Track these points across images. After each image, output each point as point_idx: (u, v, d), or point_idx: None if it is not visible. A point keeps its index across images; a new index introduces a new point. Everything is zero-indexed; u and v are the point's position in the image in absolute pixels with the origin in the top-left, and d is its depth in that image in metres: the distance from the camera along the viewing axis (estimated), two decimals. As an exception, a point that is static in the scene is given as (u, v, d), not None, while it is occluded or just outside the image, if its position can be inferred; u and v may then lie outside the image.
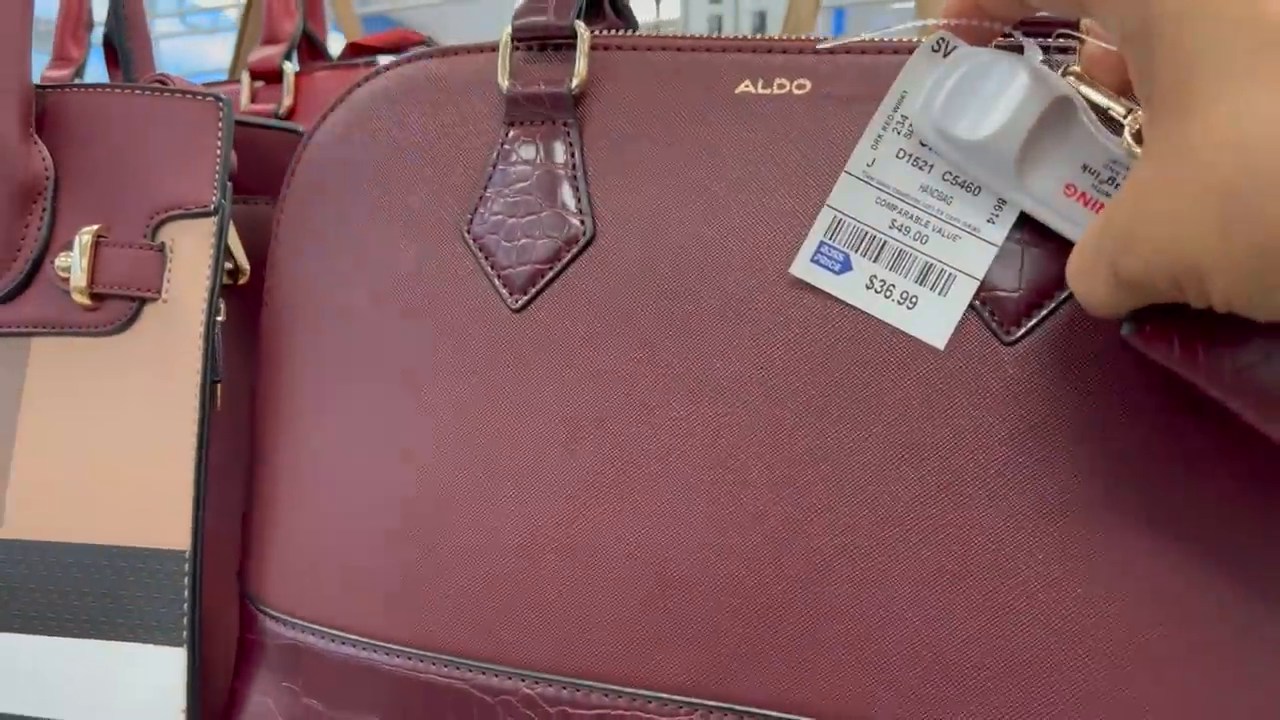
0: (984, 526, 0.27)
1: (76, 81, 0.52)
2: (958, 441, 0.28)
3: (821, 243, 0.29)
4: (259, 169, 0.40)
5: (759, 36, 0.32)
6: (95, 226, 0.36)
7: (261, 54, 0.52)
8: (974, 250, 0.28)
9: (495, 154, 0.33)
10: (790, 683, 0.29)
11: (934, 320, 0.28)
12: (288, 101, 0.52)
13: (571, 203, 0.32)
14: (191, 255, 0.35)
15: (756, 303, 0.30)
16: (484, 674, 0.31)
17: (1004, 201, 0.27)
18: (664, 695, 0.30)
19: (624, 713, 0.30)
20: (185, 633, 0.33)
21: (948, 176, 0.28)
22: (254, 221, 0.40)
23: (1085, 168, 0.26)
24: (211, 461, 0.35)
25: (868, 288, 0.29)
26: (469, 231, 0.33)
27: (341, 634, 0.33)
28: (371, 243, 0.35)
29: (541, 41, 0.33)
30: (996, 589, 0.27)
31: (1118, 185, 0.26)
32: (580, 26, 0.33)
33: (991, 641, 0.27)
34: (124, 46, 0.51)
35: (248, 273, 0.39)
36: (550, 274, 0.32)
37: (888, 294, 0.28)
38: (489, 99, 0.34)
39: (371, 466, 0.33)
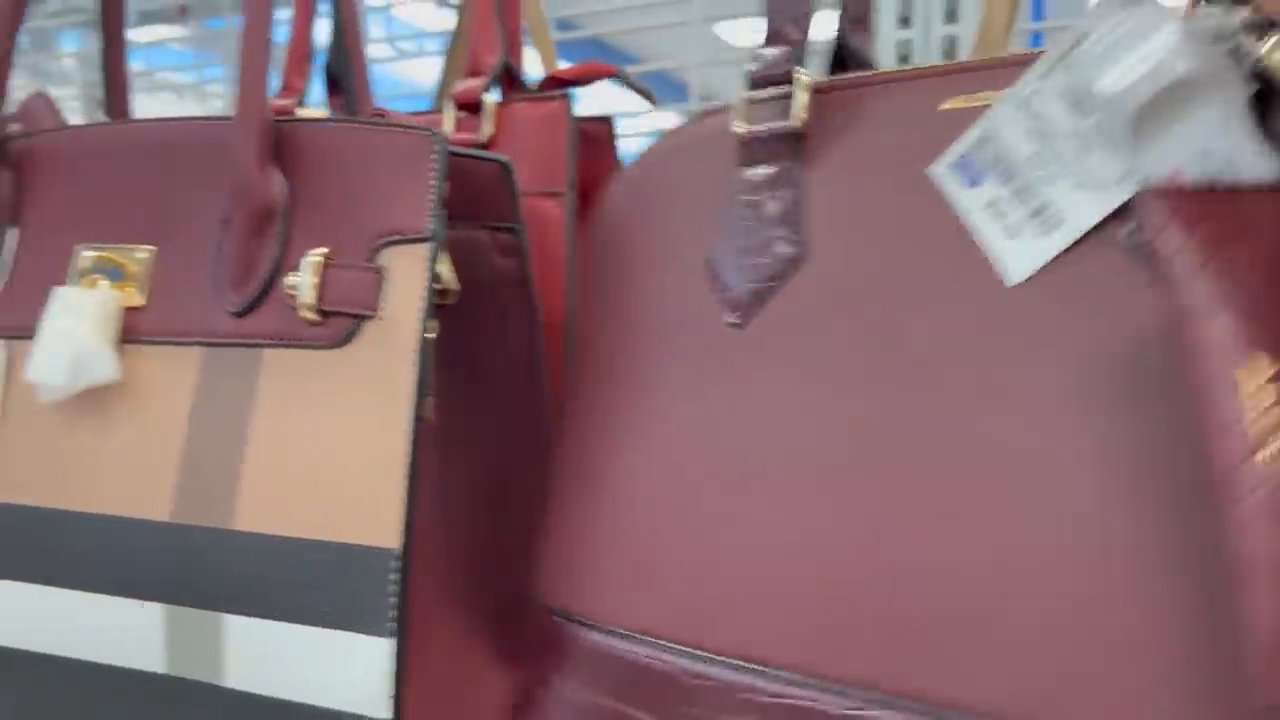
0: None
1: (301, 111, 0.57)
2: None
3: (964, 155, 0.30)
4: (466, 196, 0.42)
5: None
6: (323, 249, 0.39)
7: (465, 85, 0.56)
8: (1090, 205, 0.28)
9: (734, 190, 0.37)
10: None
11: (1023, 257, 0.29)
12: (488, 130, 0.55)
13: (788, 227, 0.35)
14: (407, 277, 0.38)
15: (966, 311, 0.31)
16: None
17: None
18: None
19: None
20: (392, 625, 0.36)
21: (1097, 127, 0.28)
22: (461, 245, 0.43)
23: (1204, 153, 0.25)
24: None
25: (985, 208, 0.30)
26: (711, 256, 0.37)
27: (680, 647, 0.34)
28: (671, 270, 0.39)
29: (767, 82, 0.37)
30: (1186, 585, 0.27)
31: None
32: (799, 72, 0.36)
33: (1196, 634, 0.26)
34: (345, 77, 0.56)
35: (457, 293, 0.41)
36: (768, 293, 0.35)
37: (998, 219, 0.29)
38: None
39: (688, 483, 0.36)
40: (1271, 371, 0.22)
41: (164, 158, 0.44)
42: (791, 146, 0.36)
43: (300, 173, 0.41)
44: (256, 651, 0.38)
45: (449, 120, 0.56)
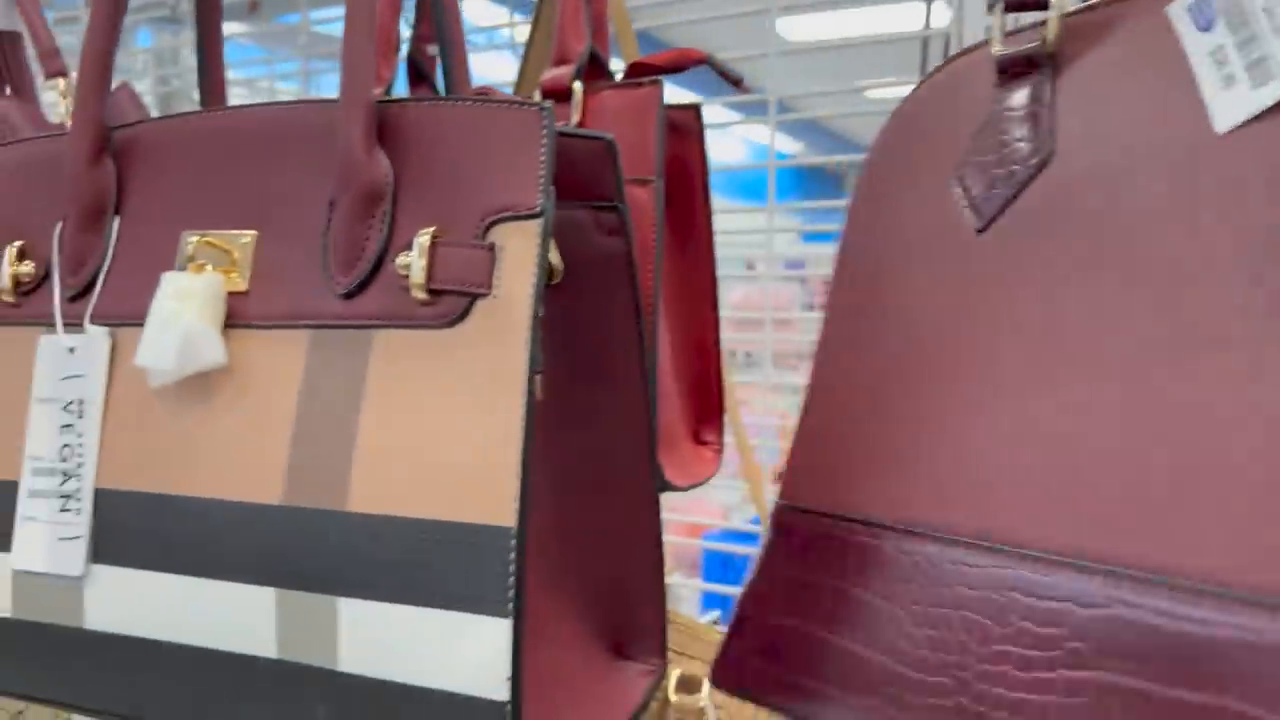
0: None
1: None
2: None
3: (1199, 1, 0.31)
4: (569, 175, 0.42)
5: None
6: (432, 228, 0.39)
7: (553, 74, 0.56)
8: None
9: (986, 108, 0.41)
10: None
11: (1233, 106, 0.30)
12: (576, 118, 0.55)
13: (1034, 131, 0.39)
14: (519, 254, 0.38)
15: (1202, 195, 0.32)
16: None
17: None
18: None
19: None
20: (510, 605, 0.35)
21: None
22: (565, 225, 0.42)
23: None
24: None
25: (1210, 54, 0.31)
26: (959, 165, 0.41)
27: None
28: (927, 188, 0.43)
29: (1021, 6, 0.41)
30: None
31: None
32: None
33: None
34: (447, 65, 0.56)
35: (562, 272, 0.41)
36: (1013, 197, 0.38)
37: (1219, 66, 0.31)
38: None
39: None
40: None
41: (263, 143, 0.44)
42: (1042, 65, 0.39)
43: (406, 153, 0.41)
44: (371, 634, 0.38)
45: (537, 109, 0.56)
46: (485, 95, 0.43)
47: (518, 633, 0.35)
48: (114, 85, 0.55)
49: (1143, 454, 0.32)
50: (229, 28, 1.25)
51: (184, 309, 0.42)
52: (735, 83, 0.59)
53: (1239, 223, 0.31)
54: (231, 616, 0.40)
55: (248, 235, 0.44)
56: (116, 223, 0.47)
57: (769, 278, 1.07)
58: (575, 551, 0.43)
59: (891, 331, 0.42)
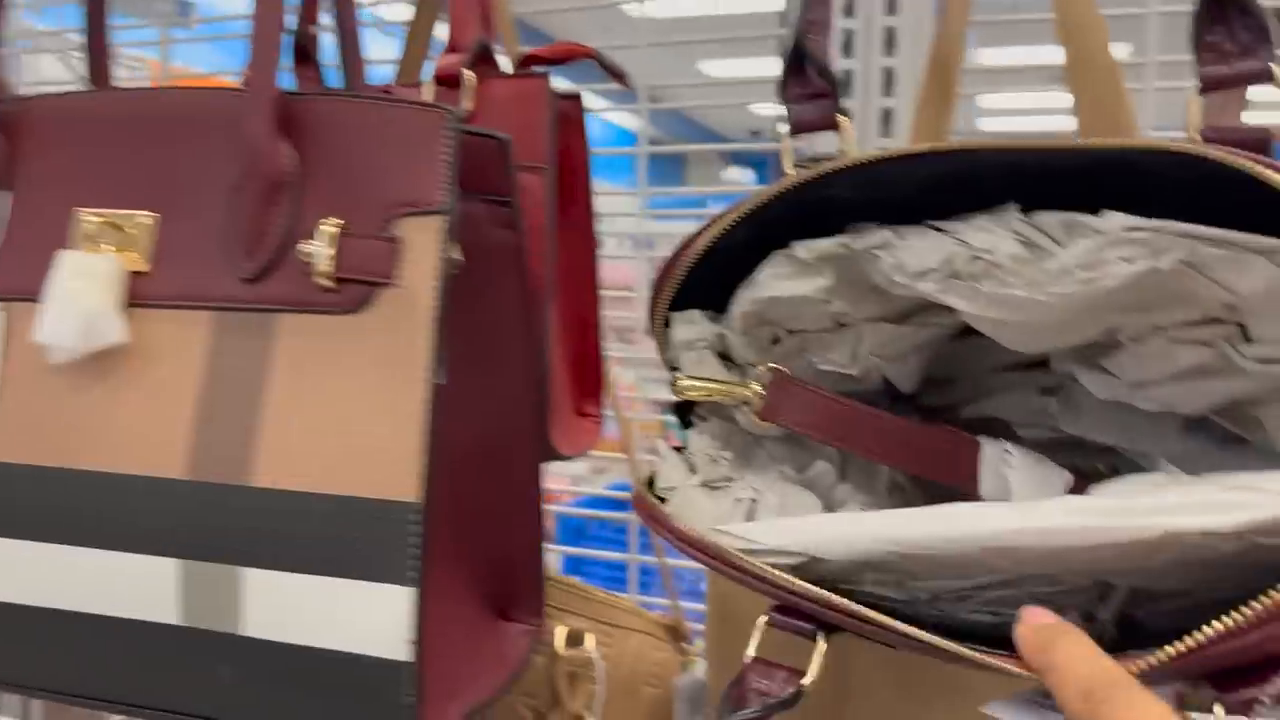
0: None
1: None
2: None
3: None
4: (465, 170, 0.44)
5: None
6: (337, 218, 0.41)
7: (445, 61, 0.57)
8: None
9: None
10: None
11: None
12: (467, 105, 0.57)
13: None
14: (422, 247, 0.41)
15: None
16: None
17: None
18: None
19: None
20: (414, 574, 0.38)
21: None
22: (460, 217, 0.45)
23: None
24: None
25: None
26: None
27: None
28: None
29: None
30: None
31: None
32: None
33: None
34: (343, 52, 0.57)
35: (459, 263, 0.44)
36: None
37: None
38: None
39: None
40: None
41: (167, 127, 0.45)
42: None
43: (311, 145, 0.43)
44: (276, 601, 0.40)
45: (428, 95, 0.58)
46: (389, 94, 0.45)
47: (419, 599, 0.38)
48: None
49: None
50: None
51: (84, 288, 0.43)
52: (619, 77, 0.62)
53: None
54: (134, 586, 0.42)
55: (148, 216, 0.45)
56: (7, 198, 0.47)
57: (620, 256, 1.11)
58: (467, 523, 0.46)
59: None
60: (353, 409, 0.40)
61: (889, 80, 0.89)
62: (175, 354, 0.43)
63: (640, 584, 0.91)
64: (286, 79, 0.60)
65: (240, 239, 0.43)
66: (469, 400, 0.47)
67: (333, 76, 0.63)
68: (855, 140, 0.43)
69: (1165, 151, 0.34)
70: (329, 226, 0.41)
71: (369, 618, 0.39)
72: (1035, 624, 0.31)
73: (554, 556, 1.84)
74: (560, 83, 0.59)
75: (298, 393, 0.41)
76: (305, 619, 0.40)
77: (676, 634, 0.67)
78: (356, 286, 0.41)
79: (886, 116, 0.85)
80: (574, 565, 1.57)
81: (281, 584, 0.40)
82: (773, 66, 0.46)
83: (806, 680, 0.36)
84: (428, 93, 0.59)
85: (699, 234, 0.42)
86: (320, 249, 0.41)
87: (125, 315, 0.44)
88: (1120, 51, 0.53)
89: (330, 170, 0.43)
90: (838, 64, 0.88)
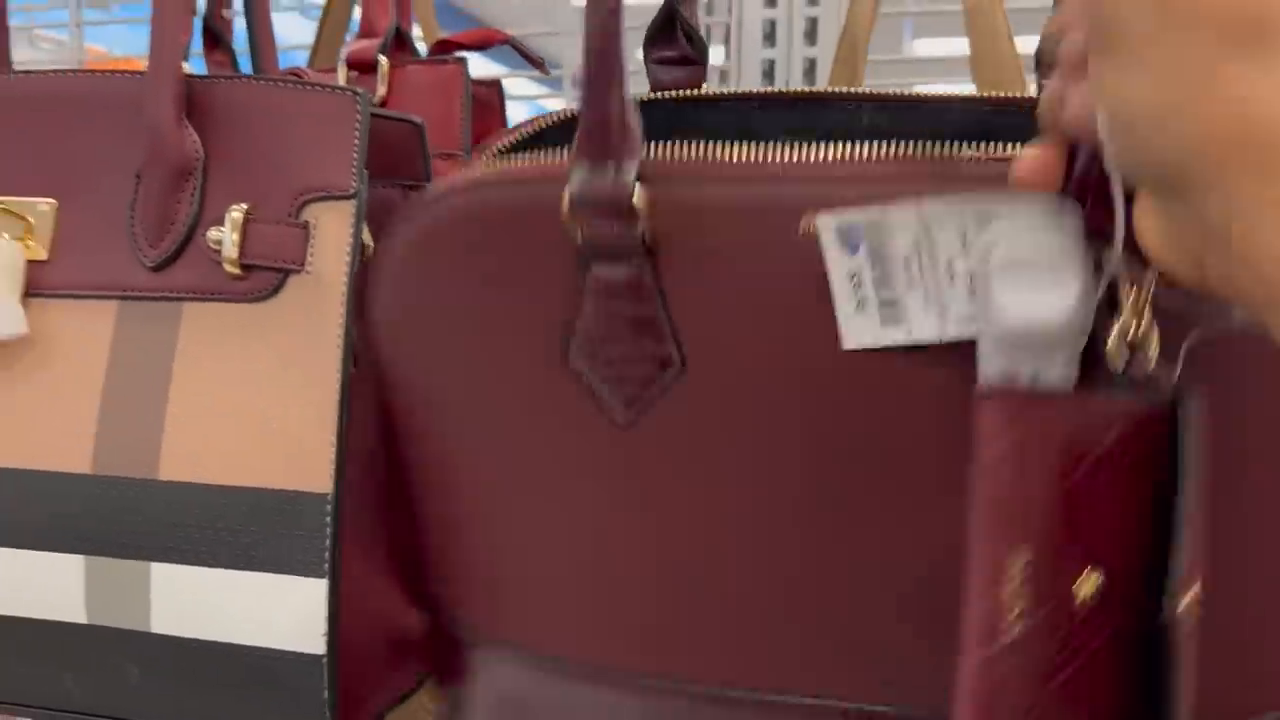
0: None
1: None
2: None
3: (854, 225, 0.31)
4: (380, 155, 0.44)
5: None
6: (244, 205, 0.40)
7: (357, 46, 0.57)
8: (931, 325, 0.32)
9: (582, 286, 0.35)
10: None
11: (861, 333, 0.32)
12: (381, 91, 0.56)
13: (658, 337, 0.34)
14: (333, 233, 0.40)
15: (824, 404, 0.33)
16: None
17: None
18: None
19: None
20: (326, 566, 0.38)
21: (969, 273, 0.31)
22: (375, 204, 0.44)
23: (1035, 377, 0.29)
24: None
25: (848, 277, 0.32)
26: (571, 360, 0.35)
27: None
28: (475, 359, 0.37)
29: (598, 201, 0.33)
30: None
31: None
32: (639, 194, 0.33)
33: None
34: (253, 36, 0.56)
35: (372, 248, 0.43)
36: (649, 395, 0.35)
37: (855, 290, 0.32)
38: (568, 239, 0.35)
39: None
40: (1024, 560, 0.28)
41: (66, 111, 0.44)
42: (642, 252, 0.34)
43: (216, 130, 0.42)
44: (186, 597, 0.39)
45: (342, 79, 0.57)
46: (299, 77, 0.44)
47: (333, 592, 0.38)
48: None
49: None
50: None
51: (-20, 278, 0.41)
52: (537, 64, 0.62)
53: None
54: (38, 585, 0.40)
55: (46, 203, 0.43)
56: (-104, 185, 0.45)
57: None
58: (389, 517, 0.46)
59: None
60: (262, 399, 0.39)
61: (812, 70, 0.90)
62: (78, 345, 0.41)
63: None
64: (198, 64, 0.59)
65: (145, 226, 0.41)
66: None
67: (246, 63, 0.62)
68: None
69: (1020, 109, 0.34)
70: (236, 212, 0.40)
71: (283, 612, 0.38)
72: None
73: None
74: (493, 69, 0.58)
75: (205, 383, 0.40)
76: (217, 614, 0.39)
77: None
78: (265, 274, 0.40)
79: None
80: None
81: (191, 579, 0.39)
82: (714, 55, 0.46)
83: None
84: (341, 78, 0.58)
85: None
86: (227, 235, 0.40)
87: (25, 305, 0.42)
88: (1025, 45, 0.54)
89: (238, 155, 0.41)
90: (761, 53, 0.89)
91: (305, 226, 0.40)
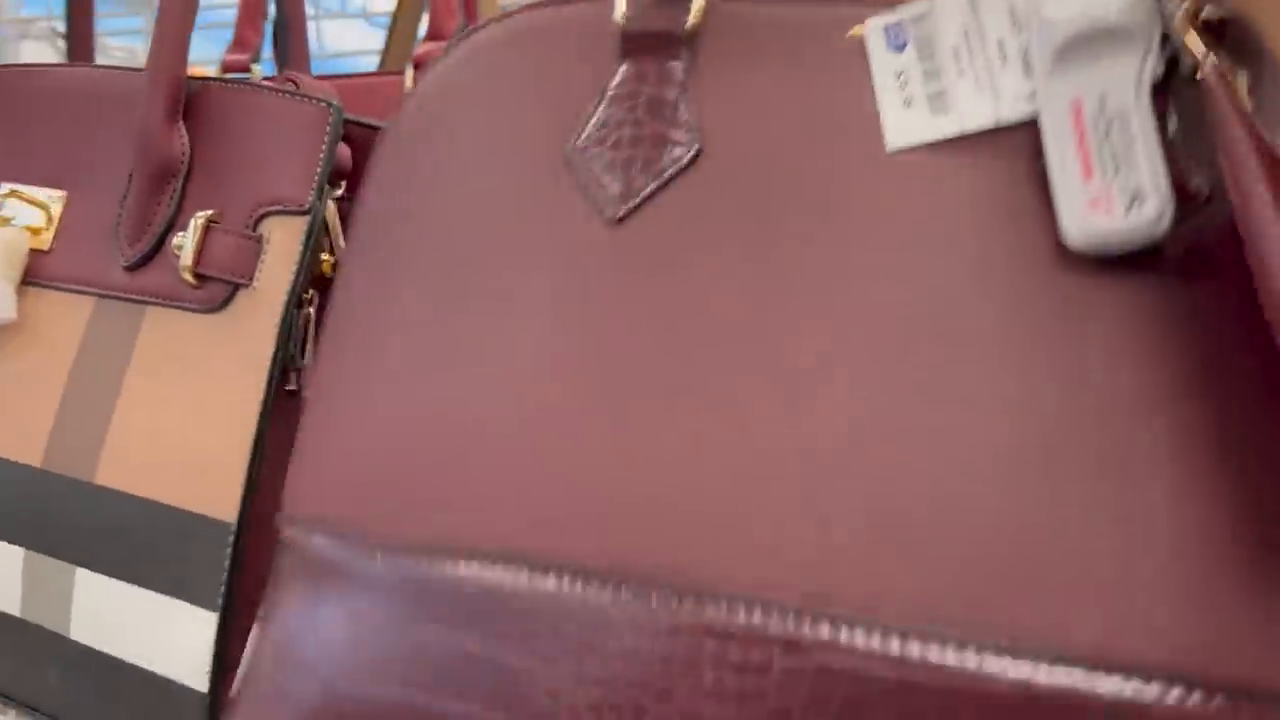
0: None
1: (255, 68, 0.57)
2: None
3: (901, 22, 0.30)
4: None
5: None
6: (209, 211, 0.39)
7: (425, 48, 0.55)
8: (984, 111, 0.29)
9: (607, 84, 0.34)
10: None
11: (908, 129, 0.30)
12: (445, 97, 0.54)
13: (679, 121, 0.33)
14: (283, 249, 0.38)
15: (855, 211, 0.30)
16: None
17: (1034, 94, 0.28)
18: None
19: None
20: (220, 599, 0.36)
21: (1023, 46, 0.28)
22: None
23: (1102, 100, 0.26)
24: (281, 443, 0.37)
25: (895, 74, 0.30)
26: (575, 149, 0.33)
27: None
28: (476, 168, 0.35)
29: None
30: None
31: (1111, 136, 0.26)
32: None
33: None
34: (282, 39, 0.55)
35: (334, 263, 0.41)
36: (653, 187, 0.33)
37: (901, 88, 0.30)
38: (605, 45, 0.34)
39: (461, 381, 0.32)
40: None
41: (82, 105, 0.44)
42: (680, 47, 0.33)
43: (205, 133, 0.41)
44: (98, 607, 0.38)
45: (409, 82, 0.56)
46: (291, 84, 0.43)
47: (224, 627, 0.36)
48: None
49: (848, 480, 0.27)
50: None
51: (-15, 261, 0.42)
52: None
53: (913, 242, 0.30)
54: (-13, 571, 0.41)
55: (58, 194, 0.44)
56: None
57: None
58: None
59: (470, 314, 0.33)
60: (194, 414, 0.38)
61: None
62: (53, 337, 0.41)
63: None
64: (269, 67, 0.59)
65: (128, 225, 0.41)
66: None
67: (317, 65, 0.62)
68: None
69: None
70: (200, 219, 0.39)
71: (175, 638, 0.37)
72: None
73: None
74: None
75: (149, 391, 0.39)
76: (124, 631, 0.38)
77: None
78: (218, 284, 0.39)
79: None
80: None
81: (108, 590, 0.38)
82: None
83: None
84: (409, 81, 0.56)
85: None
86: (188, 241, 0.39)
87: (21, 293, 0.43)
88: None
89: (217, 161, 0.40)
90: None
91: (259, 240, 0.38)
